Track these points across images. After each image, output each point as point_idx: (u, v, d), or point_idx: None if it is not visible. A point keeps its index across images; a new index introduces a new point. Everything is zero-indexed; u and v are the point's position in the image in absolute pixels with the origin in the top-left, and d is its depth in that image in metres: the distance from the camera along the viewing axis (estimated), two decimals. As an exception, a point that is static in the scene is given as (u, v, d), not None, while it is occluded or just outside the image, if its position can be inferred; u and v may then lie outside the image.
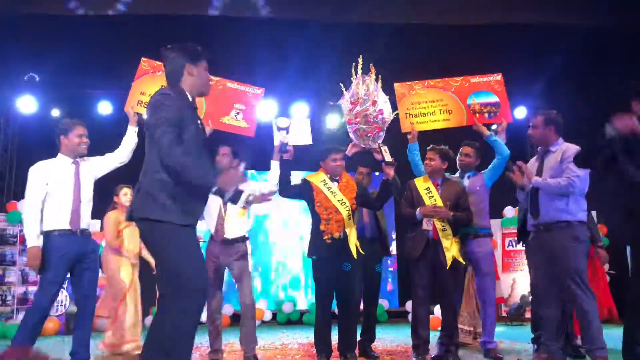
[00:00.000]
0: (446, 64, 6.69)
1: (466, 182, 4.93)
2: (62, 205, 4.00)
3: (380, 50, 7.60)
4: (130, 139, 4.39)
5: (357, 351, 4.66)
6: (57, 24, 7.30)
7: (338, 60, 4.56)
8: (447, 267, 4.40)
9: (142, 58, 4.65)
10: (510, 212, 8.46)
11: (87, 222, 4.13)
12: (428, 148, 4.82)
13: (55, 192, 4.00)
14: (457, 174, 5.08)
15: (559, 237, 4.04)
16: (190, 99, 2.89)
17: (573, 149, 4.07)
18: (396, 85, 5.11)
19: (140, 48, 4.76)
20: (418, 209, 4.48)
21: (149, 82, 4.60)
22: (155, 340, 2.62)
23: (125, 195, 5.29)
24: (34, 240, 3.92)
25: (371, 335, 5.07)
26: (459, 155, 5.02)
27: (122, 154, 4.36)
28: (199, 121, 2.89)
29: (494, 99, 5.06)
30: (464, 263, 4.52)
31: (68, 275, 4.12)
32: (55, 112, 8.71)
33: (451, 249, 4.44)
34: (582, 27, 7.40)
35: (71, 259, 4.00)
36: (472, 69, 5.33)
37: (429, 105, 5.10)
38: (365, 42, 7.57)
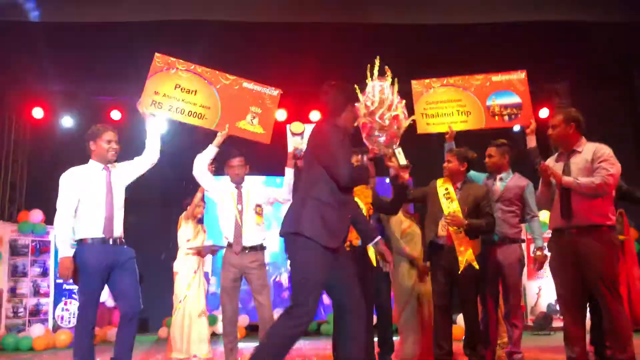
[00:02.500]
0: (467, 64, 6.49)
1: (498, 184, 4.71)
2: (96, 213, 3.84)
3: (398, 51, 7.46)
4: (153, 139, 4.23)
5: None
6: (66, 31, 7.25)
7: (355, 62, 4.34)
8: (460, 272, 4.22)
9: (156, 54, 4.50)
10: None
11: (121, 230, 3.97)
12: (446, 151, 4.63)
13: (88, 200, 3.85)
14: (485, 175, 4.88)
15: (592, 241, 3.82)
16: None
17: (606, 149, 3.89)
18: (413, 82, 4.93)
19: (151, 53, 4.62)
20: (442, 219, 4.33)
21: (162, 81, 4.45)
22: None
23: (199, 207, 5.61)
24: (66, 250, 3.76)
25: (390, 346, 4.86)
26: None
27: (150, 155, 4.21)
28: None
29: (515, 99, 4.86)
30: (477, 268, 4.28)
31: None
32: (67, 121, 8.66)
33: (465, 253, 4.25)
34: (608, 24, 7.18)
35: (106, 267, 3.83)
36: (492, 67, 5.12)
37: (447, 106, 4.92)
38: (383, 43, 7.42)
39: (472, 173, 4.81)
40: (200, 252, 5.58)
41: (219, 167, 4.72)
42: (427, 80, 4.97)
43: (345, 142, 3.18)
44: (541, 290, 8.29)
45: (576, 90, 8.25)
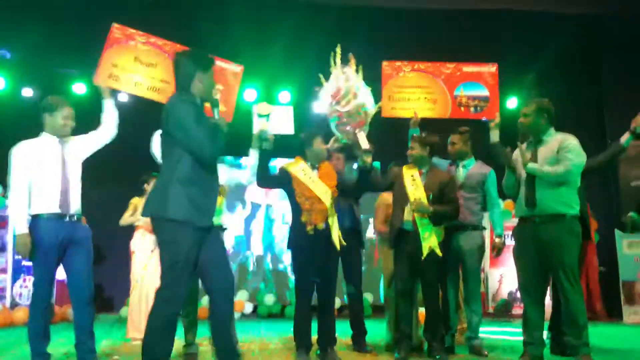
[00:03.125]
0: (437, 49, 6.49)
1: (461, 170, 4.72)
2: (50, 187, 3.70)
3: (370, 34, 7.41)
4: (109, 114, 4.09)
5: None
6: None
7: (325, 45, 4.27)
8: (423, 258, 4.21)
9: (114, 24, 4.33)
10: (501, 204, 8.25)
11: (77, 205, 3.83)
12: (410, 138, 4.61)
13: (42, 174, 3.70)
14: (448, 162, 4.89)
15: (555, 230, 3.88)
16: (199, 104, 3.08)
17: (572, 139, 3.95)
18: (384, 64, 4.91)
19: (113, 20, 4.44)
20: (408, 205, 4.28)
21: (121, 53, 4.30)
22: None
23: (150, 185, 5.51)
24: (23, 226, 3.62)
25: (363, 329, 4.90)
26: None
27: (107, 130, 4.08)
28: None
29: (483, 92, 4.91)
30: (440, 255, 4.28)
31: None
32: (27, 92, 8.39)
33: (429, 239, 4.25)
34: (578, 16, 7.24)
35: (62, 244, 3.70)
36: (463, 54, 5.12)
37: (414, 91, 4.90)
38: (354, 25, 7.36)
39: (436, 159, 4.82)
40: None
41: None
42: (398, 63, 4.96)
43: (200, 115, 3.02)
44: (503, 277, 8.40)
45: (545, 80, 8.31)
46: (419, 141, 4.48)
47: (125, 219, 5.77)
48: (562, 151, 3.91)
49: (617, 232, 7.84)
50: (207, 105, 3.18)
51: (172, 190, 2.90)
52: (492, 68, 4.97)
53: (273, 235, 9.42)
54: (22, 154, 3.70)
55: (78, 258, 3.78)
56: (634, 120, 4.39)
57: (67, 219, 3.74)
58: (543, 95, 4.61)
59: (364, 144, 4.09)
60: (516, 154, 4.21)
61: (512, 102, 8.83)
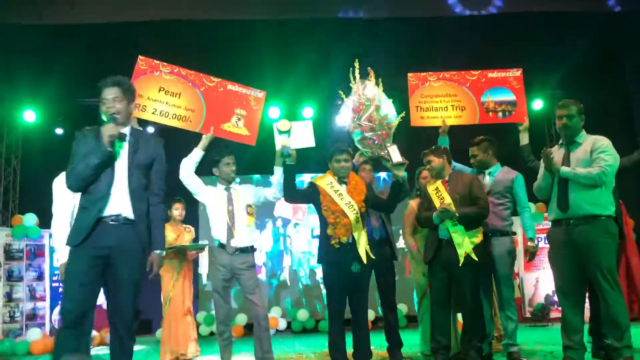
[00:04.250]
0: (462, 55, 6.48)
1: (487, 178, 4.70)
2: None
3: (393, 46, 7.45)
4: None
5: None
6: (60, 34, 7.21)
7: (349, 60, 4.32)
8: (460, 265, 4.16)
9: (140, 57, 4.46)
10: (532, 208, 8.15)
11: None
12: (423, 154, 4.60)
13: None
14: (473, 170, 4.86)
15: (590, 232, 3.81)
16: None
17: (605, 140, 3.89)
18: (409, 75, 4.96)
19: (140, 53, 4.58)
20: (434, 213, 4.26)
21: (146, 83, 4.41)
22: None
23: (176, 210, 5.67)
24: (65, 255, 3.64)
25: (398, 341, 4.87)
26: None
27: None
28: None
29: (510, 97, 4.93)
30: (476, 260, 4.24)
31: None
32: (60, 125, 8.63)
33: (463, 245, 4.20)
34: (599, 14, 7.16)
35: None
36: (488, 60, 5.13)
37: (442, 100, 4.95)
38: (376, 39, 7.41)
39: (461, 167, 4.81)
40: (185, 252, 5.55)
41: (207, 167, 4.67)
42: (424, 74, 5.01)
43: (83, 144, 3.16)
44: (539, 281, 8.27)
45: (570, 81, 8.22)
46: (432, 153, 4.47)
47: None
48: (595, 152, 3.85)
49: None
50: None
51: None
52: (516, 73, 4.99)
53: (304, 250, 9.45)
54: (63, 184, 3.79)
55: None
56: None
57: None
58: (568, 96, 4.57)
59: (396, 157, 4.10)
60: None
61: (537, 104, 8.77)
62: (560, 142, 4.13)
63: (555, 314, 7.71)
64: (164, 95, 4.45)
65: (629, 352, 3.74)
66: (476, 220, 4.31)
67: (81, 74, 7.81)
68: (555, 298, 7.72)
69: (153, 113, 4.41)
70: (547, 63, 7.74)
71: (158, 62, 4.48)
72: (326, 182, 4.30)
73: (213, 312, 7.69)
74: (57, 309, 7.92)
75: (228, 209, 4.39)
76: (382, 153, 4.23)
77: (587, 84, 8.20)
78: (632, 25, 7.52)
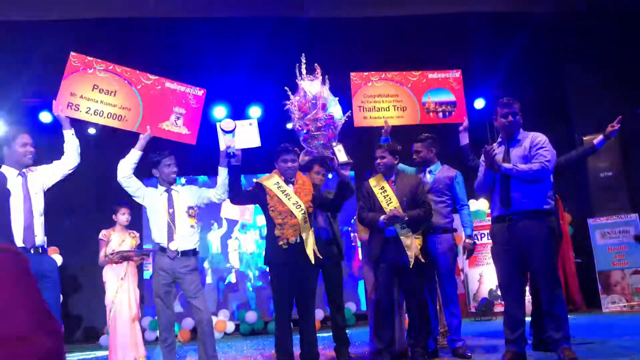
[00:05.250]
0: (403, 55, 6.55)
1: (428, 176, 4.77)
2: (13, 222, 3.61)
3: (337, 45, 7.47)
4: (70, 143, 4.08)
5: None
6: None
7: (293, 58, 4.26)
8: (410, 266, 4.22)
9: (72, 53, 4.28)
10: (473, 205, 8.34)
11: (42, 238, 3.78)
12: (376, 147, 4.63)
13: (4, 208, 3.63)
14: (415, 169, 4.95)
15: (531, 227, 3.92)
16: None
17: (542, 136, 4.01)
18: (352, 75, 4.98)
19: (77, 49, 4.40)
20: (381, 217, 4.26)
21: (79, 81, 4.25)
22: None
23: (123, 215, 5.44)
24: None
25: (346, 340, 4.88)
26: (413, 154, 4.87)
27: (68, 159, 4.06)
28: None
29: (450, 97, 5.05)
30: (423, 261, 4.32)
31: None
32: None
33: (412, 247, 4.26)
34: (540, 14, 7.37)
35: None
36: (429, 59, 5.21)
37: (384, 100, 4.99)
38: (320, 38, 7.40)
39: (402, 166, 4.87)
40: (129, 257, 5.40)
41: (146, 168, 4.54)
42: (366, 74, 5.03)
43: None
44: (482, 277, 8.46)
45: (510, 80, 8.45)
46: (388, 149, 4.51)
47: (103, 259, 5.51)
48: (534, 149, 3.96)
49: (590, 223, 7.97)
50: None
51: None
52: (456, 74, 5.12)
53: (252, 251, 9.36)
54: None
55: (46, 292, 3.71)
56: (610, 125, 4.53)
57: (32, 252, 3.69)
58: (509, 94, 4.69)
59: (342, 157, 4.06)
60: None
61: (479, 103, 8.98)
62: (499, 139, 4.22)
63: (498, 308, 7.90)
64: (99, 93, 4.29)
65: (567, 342, 3.87)
66: (421, 224, 4.38)
67: (15, 72, 7.52)
68: (499, 293, 7.94)
69: (87, 112, 4.25)
70: (488, 62, 7.92)
71: (92, 58, 4.32)
72: (273, 182, 4.25)
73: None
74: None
75: (169, 211, 4.28)
76: (327, 153, 4.20)
77: (526, 83, 8.46)
78: (571, 24, 7.78)
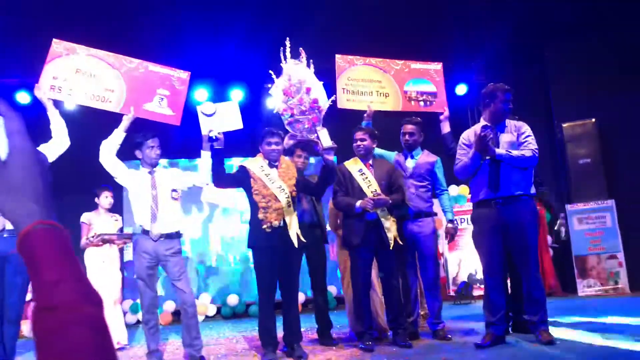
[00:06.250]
0: (388, 43, 6.52)
1: (410, 162, 4.80)
2: None
3: (322, 28, 7.42)
4: (57, 124, 4.04)
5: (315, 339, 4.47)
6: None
7: (277, 40, 4.22)
8: (391, 248, 4.28)
9: (54, 39, 4.25)
10: (454, 190, 8.45)
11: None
12: (355, 129, 4.66)
13: None
14: (395, 153, 4.98)
15: (518, 210, 4.01)
16: None
17: (526, 125, 4.11)
18: (337, 57, 5.00)
19: (56, 32, 4.34)
20: (358, 202, 4.29)
21: (62, 65, 4.21)
22: None
23: (106, 198, 5.41)
24: None
25: (328, 322, 4.92)
26: (402, 135, 4.87)
27: (57, 142, 4.01)
28: None
29: (431, 88, 5.16)
30: (401, 243, 4.39)
31: None
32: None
33: (391, 229, 4.35)
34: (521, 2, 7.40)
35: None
36: (413, 46, 5.23)
37: (367, 85, 5.01)
38: (305, 20, 7.34)
39: (381, 151, 4.90)
40: (110, 241, 5.37)
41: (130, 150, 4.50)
42: (351, 57, 5.04)
43: None
44: (462, 261, 8.57)
45: (492, 66, 8.49)
46: (369, 133, 4.53)
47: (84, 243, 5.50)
48: (522, 137, 4.06)
49: (568, 209, 8.10)
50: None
51: None
52: (437, 66, 5.25)
53: (233, 235, 9.34)
54: None
55: (20, 274, 3.72)
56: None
57: (6, 235, 3.70)
58: (491, 80, 4.73)
59: (326, 141, 4.06)
60: (468, 136, 4.28)
61: (460, 89, 9.02)
62: (485, 124, 4.25)
63: (477, 291, 8.02)
64: (81, 76, 4.26)
65: (545, 325, 3.98)
66: (398, 207, 4.46)
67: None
68: (477, 277, 8.06)
69: (69, 94, 4.22)
70: (470, 49, 7.95)
71: (74, 44, 4.28)
72: (257, 165, 4.24)
73: (139, 300, 7.54)
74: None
75: (152, 193, 4.24)
76: (312, 137, 4.19)
77: (508, 70, 8.51)
78: (550, 8, 7.81)
